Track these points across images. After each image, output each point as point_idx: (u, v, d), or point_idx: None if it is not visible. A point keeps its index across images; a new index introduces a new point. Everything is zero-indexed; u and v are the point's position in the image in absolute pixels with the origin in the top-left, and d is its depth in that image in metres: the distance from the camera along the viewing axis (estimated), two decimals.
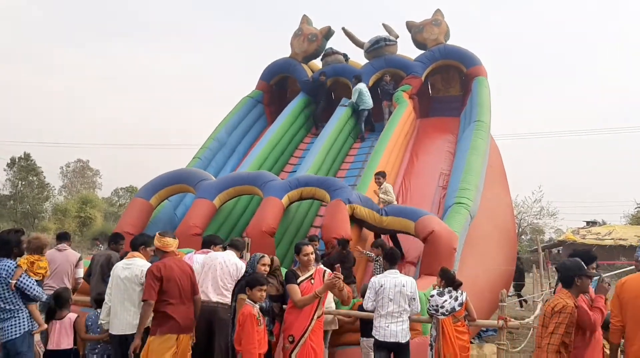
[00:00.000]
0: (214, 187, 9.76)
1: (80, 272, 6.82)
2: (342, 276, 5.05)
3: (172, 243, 5.21)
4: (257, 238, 8.31)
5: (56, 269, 6.39)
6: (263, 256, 5.66)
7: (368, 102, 13.14)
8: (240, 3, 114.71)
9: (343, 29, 15.05)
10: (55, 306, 5.34)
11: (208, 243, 6.52)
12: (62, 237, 6.94)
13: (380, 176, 9.45)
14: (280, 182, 9.67)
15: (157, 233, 5.31)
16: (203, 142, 12.80)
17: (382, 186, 9.32)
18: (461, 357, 5.62)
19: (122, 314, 5.08)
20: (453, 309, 5.67)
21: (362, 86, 13.20)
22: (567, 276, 4.31)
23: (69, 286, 6.41)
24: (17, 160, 39.83)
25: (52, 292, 5.78)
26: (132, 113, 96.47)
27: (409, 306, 5.55)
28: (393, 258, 5.88)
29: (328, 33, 14.75)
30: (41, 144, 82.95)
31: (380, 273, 6.47)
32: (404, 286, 5.55)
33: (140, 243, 5.47)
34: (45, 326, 5.10)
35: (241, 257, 6.14)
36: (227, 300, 5.54)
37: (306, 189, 9.43)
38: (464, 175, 9.95)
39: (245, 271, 5.52)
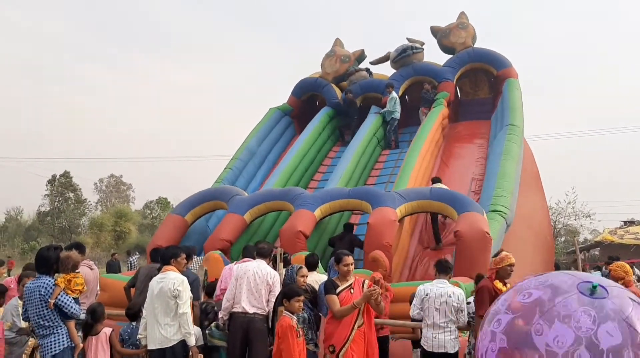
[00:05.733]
0: (245, 202, 9.82)
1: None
2: (379, 289, 4.94)
3: None
4: (291, 237, 8.44)
5: (90, 288, 6.35)
6: (301, 268, 5.55)
7: (399, 111, 13.15)
8: (260, 15, 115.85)
9: (370, 63, 15.27)
10: (92, 321, 5.40)
11: (249, 253, 6.38)
12: (81, 249, 6.15)
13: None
14: (310, 195, 9.64)
15: None
16: (223, 151, 13.01)
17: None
18: None
19: (157, 328, 5.10)
20: None
21: (396, 95, 13.22)
22: None
23: None
24: (57, 177, 41.01)
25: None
26: (155, 125, 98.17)
27: (456, 317, 5.42)
28: (442, 268, 5.73)
29: (361, 56, 15.04)
30: (68, 160, 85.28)
31: None
32: (449, 296, 5.41)
33: (170, 255, 5.47)
34: (82, 345, 5.16)
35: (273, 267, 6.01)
36: (264, 310, 5.48)
37: (347, 201, 9.38)
38: (499, 181, 9.72)
39: (285, 283, 5.41)
